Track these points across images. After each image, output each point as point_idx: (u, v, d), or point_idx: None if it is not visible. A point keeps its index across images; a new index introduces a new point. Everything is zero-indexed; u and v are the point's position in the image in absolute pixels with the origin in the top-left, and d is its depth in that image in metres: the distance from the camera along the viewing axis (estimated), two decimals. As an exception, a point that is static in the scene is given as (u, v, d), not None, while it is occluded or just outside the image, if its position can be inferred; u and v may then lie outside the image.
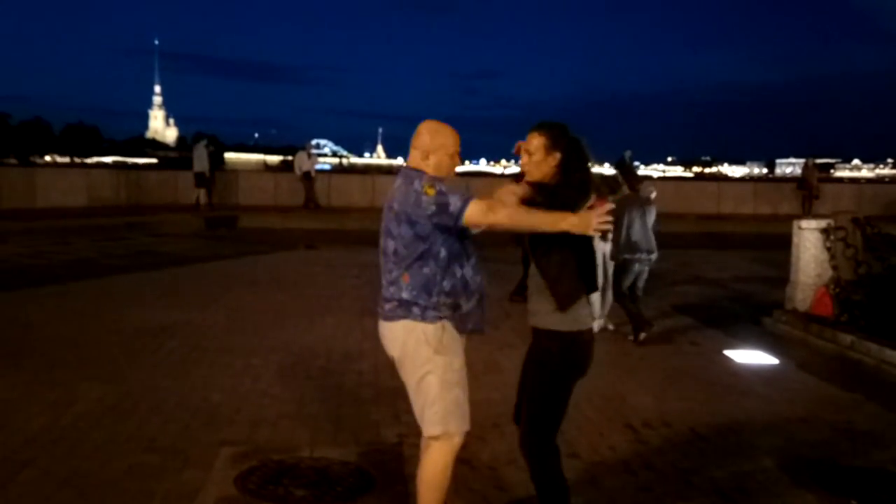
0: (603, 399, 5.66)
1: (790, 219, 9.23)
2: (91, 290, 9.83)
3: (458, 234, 3.18)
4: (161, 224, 17.81)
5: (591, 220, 2.96)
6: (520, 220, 3.12)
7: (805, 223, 8.62)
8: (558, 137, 3.26)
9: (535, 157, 3.26)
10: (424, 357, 3.20)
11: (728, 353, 7.28)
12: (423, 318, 3.19)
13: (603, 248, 7.72)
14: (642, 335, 7.57)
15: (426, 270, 3.17)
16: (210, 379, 5.95)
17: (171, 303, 8.95)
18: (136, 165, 55.05)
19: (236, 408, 5.28)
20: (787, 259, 8.77)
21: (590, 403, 5.50)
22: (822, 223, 8.44)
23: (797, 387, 6.23)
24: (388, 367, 3.48)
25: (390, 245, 3.23)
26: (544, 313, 3.25)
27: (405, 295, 3.19)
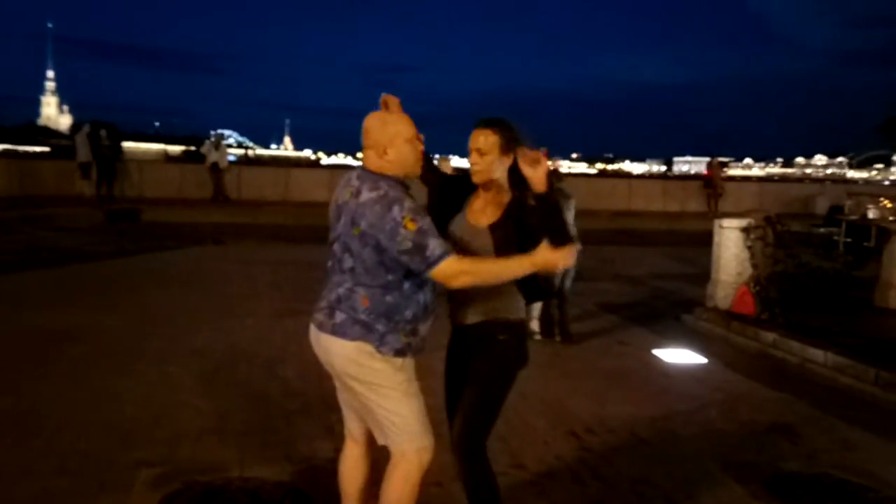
0: (542, 403, 5.51)
1: (698, 216, 9.43)
2: (-18, 290, 9.07)
3: None
4: (58, 217, 16.69)
5: (557, 258, 2.80)
6: (488, 278, 2.93)
7: (727, 222, 8.74)
8: (512, 139, 3.04)
9: (488, 156, 3.01)
10: (385, 374, 2.92)
11: (657, 352, 7.27)
12: (382, 344, 2.90)
13: None
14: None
15: (389, 299, 2.86)
16: (123, 389, 5.48)
17: (74, 303, 8.33)
18: (27, 154, 52.13)
19: (153, 422, 4.86)
20: (700, 255, 8.89)
21: (530, 409, 5.34)
22: (743, 222, 8.56)
23: (729, 387, 6.25)
24: (316, 375, 3.21)
25: (347, 261, 2.89)
26: (503, 305, 3.08)
27: (363, 317, 2.88)
